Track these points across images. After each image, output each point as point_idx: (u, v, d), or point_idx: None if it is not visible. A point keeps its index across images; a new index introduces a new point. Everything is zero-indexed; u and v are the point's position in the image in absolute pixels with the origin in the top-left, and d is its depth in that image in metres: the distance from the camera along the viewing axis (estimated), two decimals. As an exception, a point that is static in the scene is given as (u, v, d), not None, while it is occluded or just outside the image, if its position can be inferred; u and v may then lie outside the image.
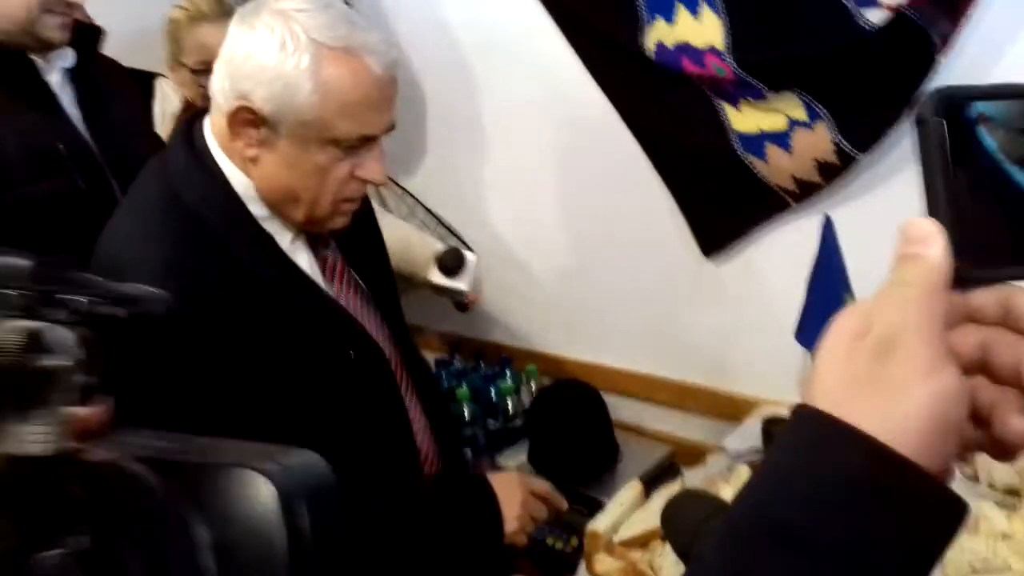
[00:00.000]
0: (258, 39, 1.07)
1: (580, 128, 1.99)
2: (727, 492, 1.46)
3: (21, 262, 0.43)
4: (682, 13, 1.67)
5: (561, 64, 1.93)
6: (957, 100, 0.42)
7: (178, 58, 1.90)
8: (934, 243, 0.43)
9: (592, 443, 1.98)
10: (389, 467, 1.27)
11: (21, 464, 0.41)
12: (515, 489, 1.29)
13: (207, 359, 1.05)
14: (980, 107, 0.42)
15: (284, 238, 1.17)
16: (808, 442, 0.43)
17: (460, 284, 1.86)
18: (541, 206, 2.16)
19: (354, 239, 1.30)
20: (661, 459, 1.99)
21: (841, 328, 0.45)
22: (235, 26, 1.11)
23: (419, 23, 2.18)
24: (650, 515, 1.39)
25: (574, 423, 1.96)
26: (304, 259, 1.20)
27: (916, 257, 0.44)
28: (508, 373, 2.21)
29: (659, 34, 1.70)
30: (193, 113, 1.21)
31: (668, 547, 1.31)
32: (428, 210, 2.33)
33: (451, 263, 1.85)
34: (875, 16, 1.41)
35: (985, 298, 0.44)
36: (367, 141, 1.13)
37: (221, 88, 1.10)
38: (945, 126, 0.42)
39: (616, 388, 2.17)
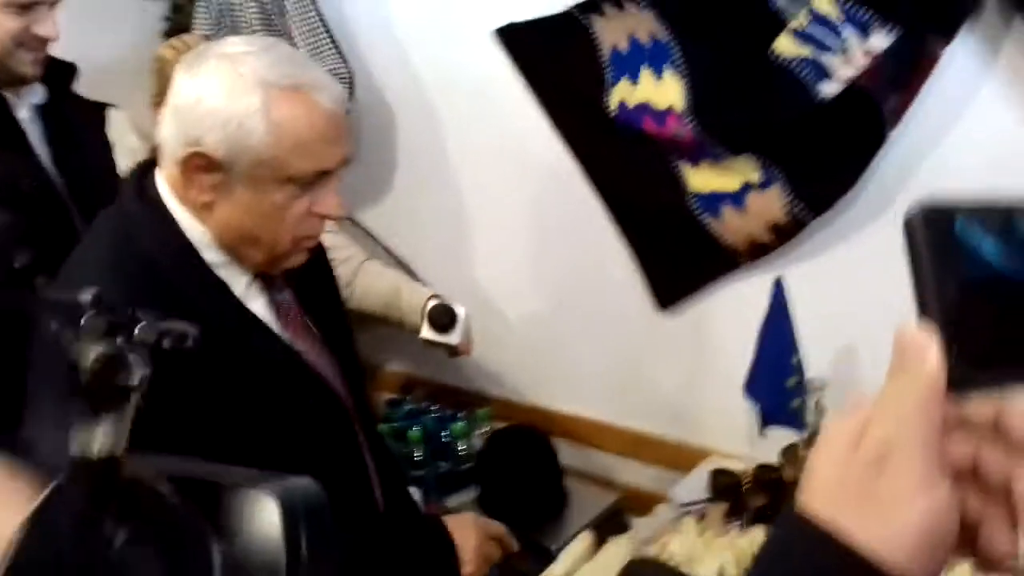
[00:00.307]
0: (206, 84, 1.07)
1: (543, 177, 2.03)
2: (675, 544, 1.49)
3: (85, 295, 0.51)
4: (645, 75, 1.73)
5: (525, 112, 1.97)
6: (944, 208, 0.44)
7: (163, 96, 1.87)
8: (928, 353, 0.43)
9: (541, 489, 2.00)
10: (350, 512, 1.24)
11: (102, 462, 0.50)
12: (470, 531, 1.31)
13: (172, 403, 1.04)
14: (966, 213, 0.44)
15: (239, 284, 1.16)
16: (802, 552, 0.44)
17: (452, 339, 1.88)
18: (501, 251, 2.19)
19: (307, 281, 1.29)
20: (608, 507, 2.01)
21: (838, 434, 0.46)
22: (180, 74, 1.10)
23: (385, 62, 2.20)
24: (599, 567, 1.40)
25: (523, 469, 1.98)
26: (259, 305, 1.19)
27: (910, 367, 0.44)
28: (461, 416, 2.22)
29: (622, 94, 1.75)
30: (144, 164, 1.20)
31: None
32: (387, 249, 2.34)
33: (443, 319, 1.87)
34: (829, 88, 1.48)
35: (978, 407, 0.45)
36: (323, 176, 1.12)
37: (171, 136, 1.10)
38: (933, 231, 0.43)
39: (568, 434, 2.19)
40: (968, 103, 1.44)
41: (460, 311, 1.88)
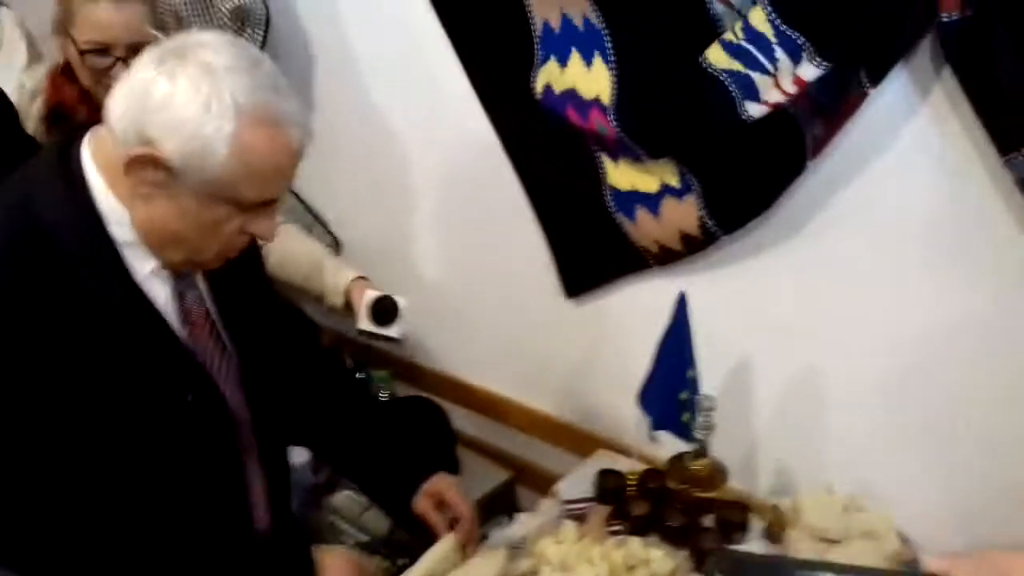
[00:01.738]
0: (180, 92, 1.03)
1: (464, 145, 1.95)
2: (552, 550, 1.51)
3: None
4: (575, 59, 1.64)
5: (453, 83, 1.87)
6: (740, 561, 0.47)
7: (66, 28, 1.71)
8: None
9: (431, 460, 1.98)
10: (216, 518, 1.26)
11: None
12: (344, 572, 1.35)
13: (16, 371, 1.05)
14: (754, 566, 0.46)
15: (143, 266, 1.14)
16: None
17: (393, 332, 1.83)
18: (417, 216, 2.13)
19: (230, 282, 1.27)
20: (499, 485, 2.03)
21: None
22: (153, 66, 1.05)
23: (309, 11, 2.07)
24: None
25: (414, 439, 1.96)
26: (161, 292, 1.17)
27: None
28: (358, 376, 2.19)
29: (549, 76, 1.67)
30: (72, 130, 1.15)
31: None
32: (297, 196, 2.26)
33: (386, 313, 1.82)
34: (755, 109, 1.42)
35: None
36: (268, 203, 1.13)
37: (124, 124, 1.05)
38: None
39: (469, 403, 2.19)
40: (891, 142, 1.41)
41: (403, 303, 1.83)
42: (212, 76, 1.03)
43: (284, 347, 1.43)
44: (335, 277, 1.88)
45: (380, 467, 1.54)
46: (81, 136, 1.13)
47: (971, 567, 0.51)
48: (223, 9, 1.96)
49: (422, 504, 1.50)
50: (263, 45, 2.00)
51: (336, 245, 2.28)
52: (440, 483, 1.52)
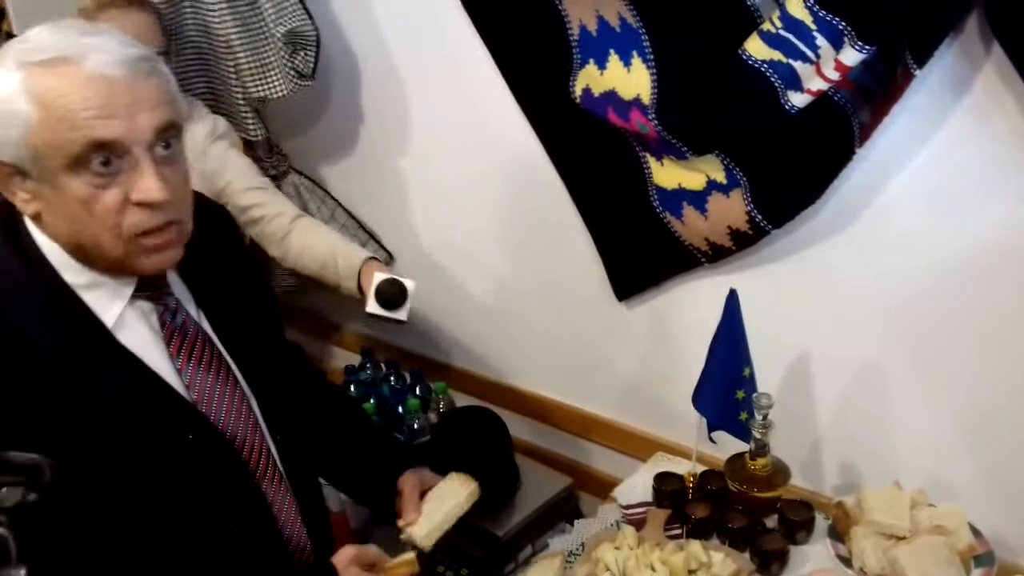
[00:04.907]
0: None
1: (510, 153, 1.95)
2: (610, 555, 1.49)
3: None
4: (613, 61, 1.64)
5: (494, 93, 1.88)
6: None
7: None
8: None
9: (493, 471, 1.98)
10: (247, 555, 1.18)
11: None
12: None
13: None
14: None
15: (113, 308, 1.07)
16: None
17: (400, 315, 1.79)
18: (467, 226, 2.14)
19: (227, 305, 1.20)
20: (560, 491, 2.01)
21: None
22: None
23: (355, 23, 2.11)
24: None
25: (476, 450, 1.96)
26: (138, 333, 1.09)
27: None
28: (417, 389, 2.20)
29: (588, 79, 1.66)
30: None
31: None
32: (349, 214, 2.29)
33: (392, 296, 1.77)
34: (798, 99, 1.40)
35: None
36: (121, 156, 0.99)
37: None
38: None
39: (523, 411, 2.18)
40: (940, 124, 1.37)
41: (410, 285, 1.79)
42: (1, 55, 0.98)
43: (284, 366, 1.35)
44: (347, 261, 1.87)
45: (363, 460, 1.47)
46: None
47: None
48: (276, 34, 2.01)
49: (405, 482, 1.41)
50: (315, 66, 2.04)
51: (390, 259, 2.30)
52: (429, 472, 1.46)
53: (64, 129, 0.96)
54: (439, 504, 1.40)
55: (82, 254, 1.05)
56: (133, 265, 1.05)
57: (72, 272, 1.05)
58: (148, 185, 1.00)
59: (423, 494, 1.42)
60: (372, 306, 1.80)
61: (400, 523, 1.38)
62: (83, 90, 0.96)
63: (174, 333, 1.12)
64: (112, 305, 1.07)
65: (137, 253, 1.04)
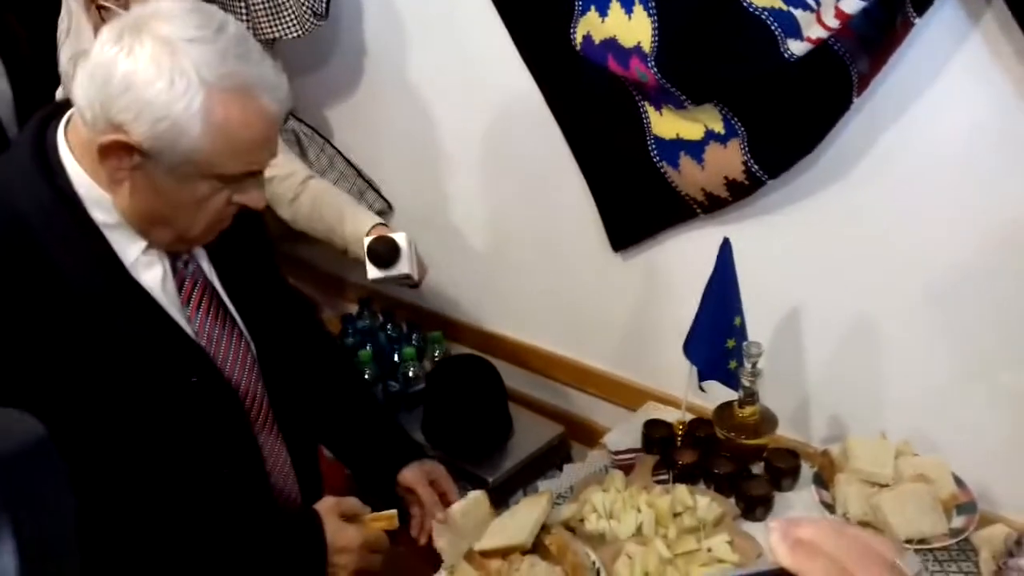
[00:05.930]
0: (140, 70, 0.98)
1: (508, 103, 1.95)
2: (597, 496, 1.51)
3: None
4: (615, 8, 1.63)
5: (494, 41, 1.87)
6: None
7: None
8: None
9: (485, 419, 2.01)
10: (235, 500, 1.21)
11: None
12: (352, 539, 1.25)
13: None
14: None
15: (132, 249, 1.10)
16: None
17: (400, 270, 1.74)
18: (462, 176, 2.14)
19: (234, 259, 1.24)
20: (551, 439, 2.04)
21: None
22: (111, 44, 1.00)
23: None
24: (508, 527, 1.42)
25: (469, 397, 1.99)
26: (154, 275, 1.13)
27: None
28: (413, 338, 2.22)
29: (589, 26, 1.66)
30: (46, 114, 1.12)
31: (527, 561, 1.35)
32: (348, 161, 2.29)
33: (385, 254, 1.72)
34: (797, 47, 1.39)
35: None
36: (252, 175, 1.09)
37: (92, 111, 1.01)
38: None
39: (517, 361, 2.20)
40: (939, 75, 1.37)
41: (402, 240, 1.74)
42: (172, 50, 0.98)
43: (290, 321, 1.39)
44: (354, 226, 1.84)
45: (368, 442, 1.50)
46: (58, 120, 1.10)
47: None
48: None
49: (412, 476, 1.45)
50: (328, 3, 2.01)
51: (388, 208, 2.31)
52: (432, 465, 1.49)
53: (229, 157, 1.04)
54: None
55: (147, 222, 1.09)
56: (191, 244, 1.16)
57: (100, 210, 1.08)
58: (259, 196, 1.13)
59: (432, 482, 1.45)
60: (371, 272, 1.75)
61: (437, 520, 1.40)
62: (256, 126, 1.04)
63: (184, 280, 1.16)
64: (132, 246, 1.11)
65: (204, 237, 1.14)
